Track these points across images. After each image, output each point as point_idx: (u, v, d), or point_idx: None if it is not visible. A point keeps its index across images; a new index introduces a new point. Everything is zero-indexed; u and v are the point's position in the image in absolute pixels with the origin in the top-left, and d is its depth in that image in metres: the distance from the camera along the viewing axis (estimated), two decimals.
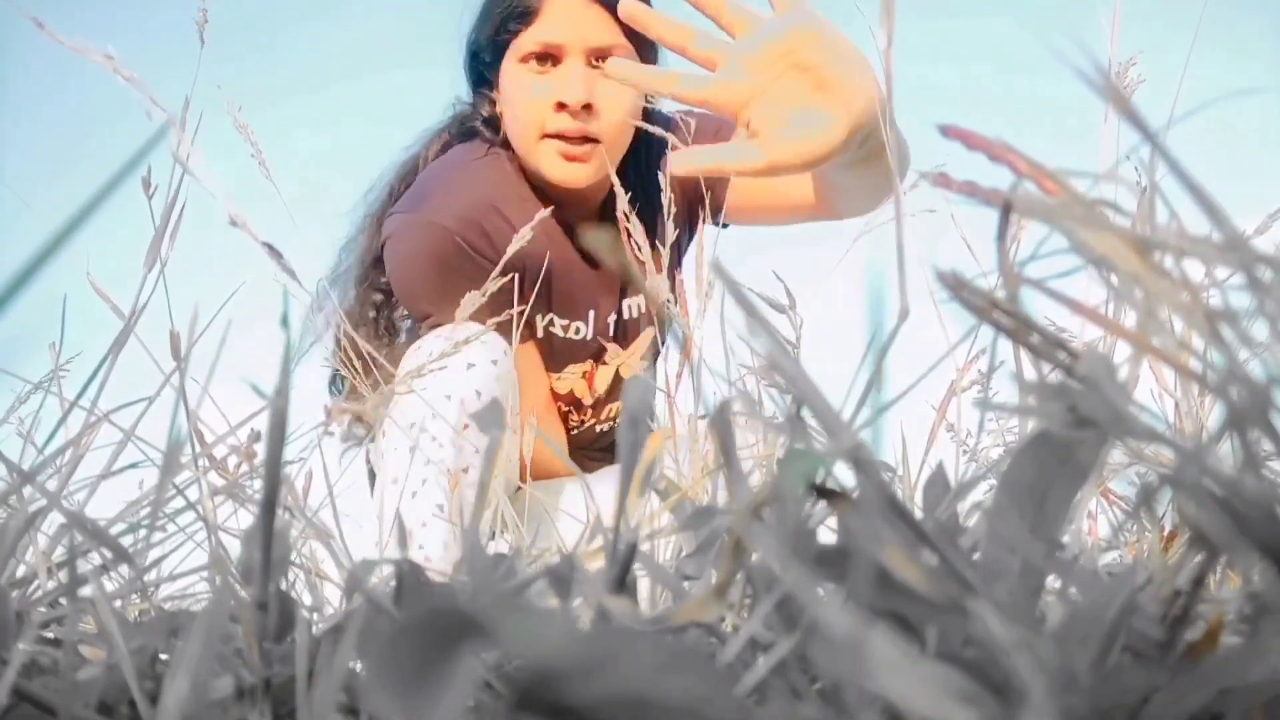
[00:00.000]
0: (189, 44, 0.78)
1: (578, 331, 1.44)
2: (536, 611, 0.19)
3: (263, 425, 0.61)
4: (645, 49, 1.25)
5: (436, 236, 1.20)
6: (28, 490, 0.50)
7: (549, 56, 1.20)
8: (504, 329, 1.19)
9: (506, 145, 1.29)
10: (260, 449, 0.64)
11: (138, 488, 0.67)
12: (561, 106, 1.18)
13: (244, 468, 0.64)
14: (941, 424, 0.83)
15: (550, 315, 1.39)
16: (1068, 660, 0.24)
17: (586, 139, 1.20)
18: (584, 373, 1.48)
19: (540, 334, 1.41)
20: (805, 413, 0.31)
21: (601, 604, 0.31)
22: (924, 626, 0.26)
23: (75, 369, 0.74)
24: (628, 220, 0.88)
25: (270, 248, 0.78)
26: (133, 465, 0.65)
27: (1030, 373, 0.31)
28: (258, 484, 0.62)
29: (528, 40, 1.19)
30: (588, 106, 1.18)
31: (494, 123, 1.30)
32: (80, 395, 0.63)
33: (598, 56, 1.19)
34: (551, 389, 1.45)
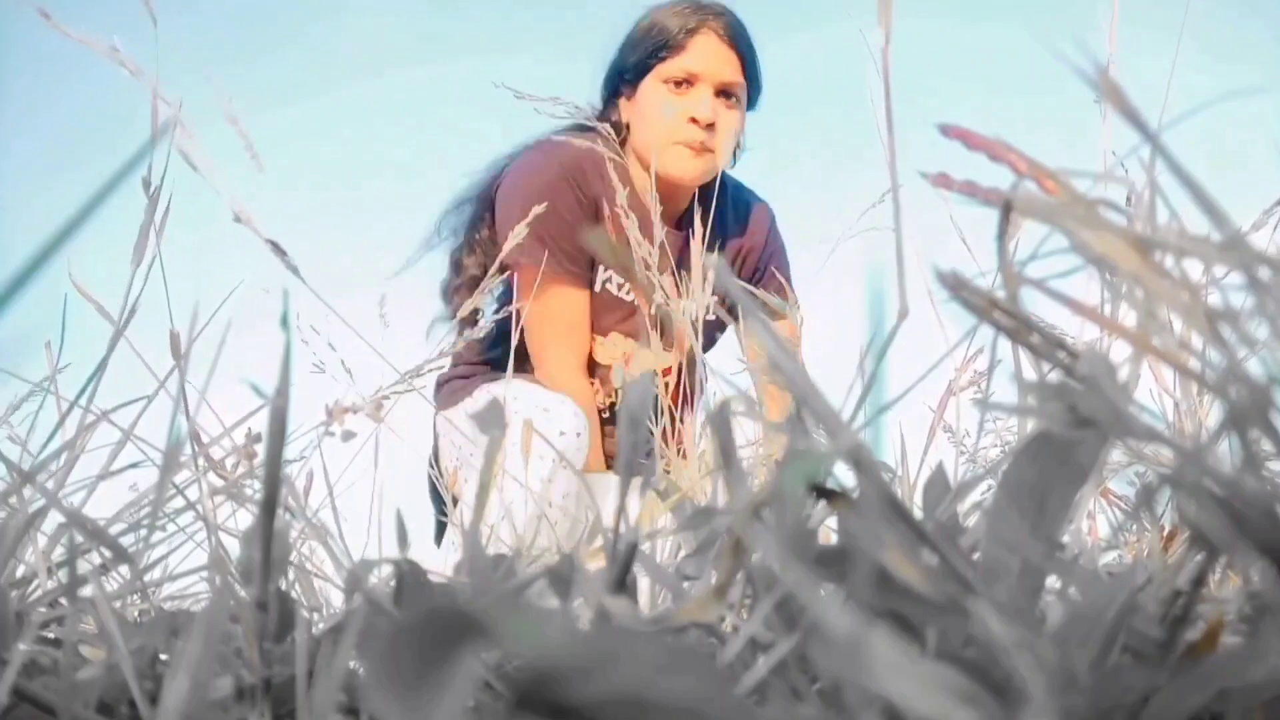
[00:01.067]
0: (193, 44, 0.78)
1: (629, 291, 1.62)
2: (536, 611, 0.19)
3: (263, 425, 0.61)
4: (754, 89, 1.60)
5: (551, 173, 1.53)
6: (27, 490, 0.50)
7: (685, 82, 1.53)
8: (571, 279, 1.54)
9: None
10: (260, 449, 0.64)
11: (129, 489, 0.66)
12: (694, 121, 1.52)
13: (244, 468, 0.64)
14: (940, 424, 0.83)
15: (610, 272, 1.62)
16: (1068, 660, 0.24)
17: (705, 148, 1.53)
18: (624, 354, 1.63)
19: (598, 288, 1.62)
20: (805, 413, 0.31)
21: (601, 604, 0.31)
22: (924, 626, 0.26)
23: (75, 368, 0.74)
24: (625, 216, 1.09)
25: (275, 245, 0.78)
26: (132, 465, 0.65)
27: (1030, 373, 0.31)
28: (258, 484, 0.62)
29: (673, 67, 1.53)
30: (711, 125, 1.52)
31: (617, 127, 1.59)
32: (79, 395, 0.63)
33: (722, 89, 1.54)
34: (591, 354, 1.64)
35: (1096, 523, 0.73)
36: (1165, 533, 0.47)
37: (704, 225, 1.22)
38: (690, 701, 0.19)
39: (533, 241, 1.46)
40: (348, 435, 0.69)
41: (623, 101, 1.60)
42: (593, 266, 1.60)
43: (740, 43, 1.54)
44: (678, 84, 1.52)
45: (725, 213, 1.69)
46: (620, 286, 1.63)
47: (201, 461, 0.61)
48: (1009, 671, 0.21)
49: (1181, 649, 0.27)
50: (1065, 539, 0.30)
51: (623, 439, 0.35)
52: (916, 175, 0.32)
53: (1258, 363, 0.25)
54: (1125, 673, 0.25)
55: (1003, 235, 0.29)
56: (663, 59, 1.53)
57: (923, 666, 0.19)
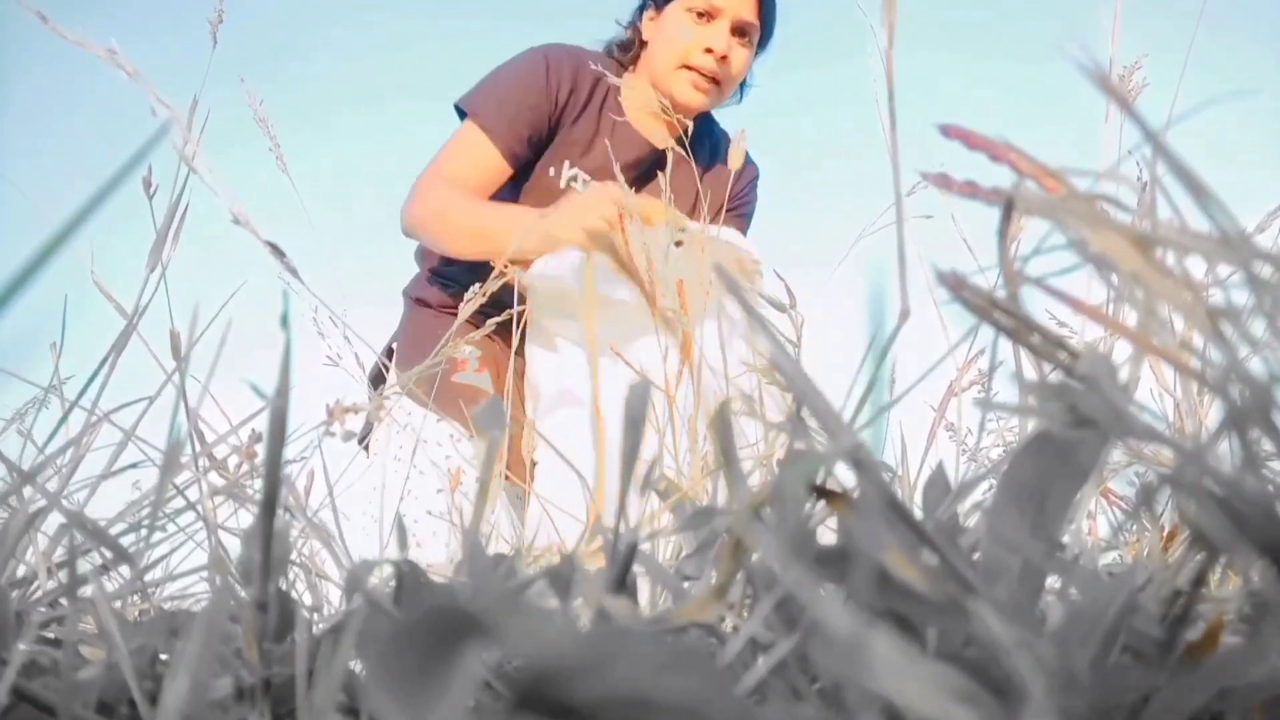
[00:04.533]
0: (204, 48, 0.78)
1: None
2: (536, 611, 0.19)
3: (263, 425, 0.61)
4: (767, 32, 1.71)
5: (533, 54, 1.62)
6: (28, 490, 0.50)
7: (707, 14, 1.64)
8: (501, 139, 1.57)
9: (624, 66, 1.75)
10: (260, 449, 0.64)
11: (134, 488, 0.66)
12: (709, 51, 1.63)
13: (244, 468, 0.64)
14: (941, 424, 0.83)
15: (576, 169, 1.69)
16: (1068, 660, 0.24)
17: (714, 80, 1.65)
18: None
19: (563, 184, 1.68)
20: (805, 413, 0.31)
21: (601, 604, 0.31)
22: (924, 626, 0.26)
23: (76, 368, 0.74)
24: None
25: (273, 246, 0.78)
26: (133, 465, 0.65)
27: (1030, 373, 0.31)
28: (258, 484, 0.62)
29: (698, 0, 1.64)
30: (724, 58, 1.64)
31: (630, 44, 1.74)
32: (80, 395, 0.63)
33: (739, 27, 1.65)
34: None
35: (1096, 523, 0.73)
36: (1165, 533, 0.47)
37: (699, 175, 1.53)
38: (690, 701, 0.19)
39: (484, 93, 1.59)
40: (348, 435, 0.69)
41: (647, 18, 1.72)
42: (539, 155, 1.65)
43: None
44: (700, 15, 1.64)
45: (719, 147, 1.83)
46: (587, 183, 1.67)
47: (202, 461, 0.61)
48: (1009, 671, 0.21)
49: (1181, 649, 0.27)
50: (1065, 539, 0.30)
51: (623, 439, 0.35)
52: (918, 175, 0.32)
53: (1259, 361, 0.25)
54: (1125, 673, 0.25)
55: (1004, 233, 0.29)
56: None
57: (923, 666, 0.19)
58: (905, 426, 0.73)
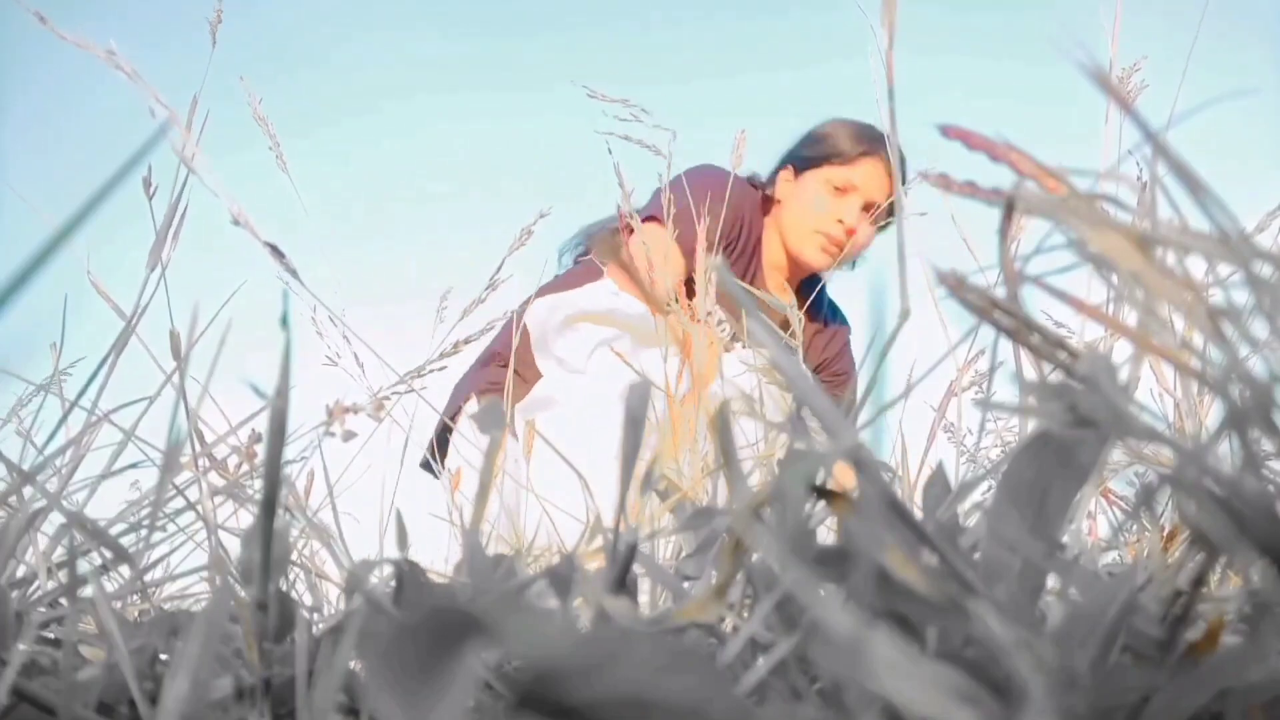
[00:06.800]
0: (204, 50, 0.78)
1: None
2: (536, 611, 0.19)
3: (263, 425, 0.61)
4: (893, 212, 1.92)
5: (726, 177, 1.72)
6: (28, 490, 0.50)
7: (843, 190, 1.85)
8: (685, 250, 1.66)
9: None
10: (260, 449, 0.64)
11: (134, 489, 0.66)
12: (840, 222, 1.85)
13: (244, 468, 0.64)
14: (941, 424, 0.83)
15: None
16: (1068, 660, 0.24)
17: (838, 247, 1.86)
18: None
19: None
20: (805, 413, 0.31)
21: (601, 604, 0.31)
22: (924, 626, 0.26)
23: (76, 369, 0.74)
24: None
25: (273, 247, 0.77)
26: (133, 465, 0.64)
27: (1030, 373, 0.31)
28: (258, 484, 0.62)
29: (838, 175, 1.86)
30: (851, 230, 1.85)
31: (767, 198, 1.95)
32: (80, 395, 0.63)
33: (867, 206, 1.85)
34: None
35: (1096, 523, 0.73)
36: (1165, 533, 0.47)
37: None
38: (690, 701, 0.19)
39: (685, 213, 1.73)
40: (348, 435, 0.69)
41: (783, 177, 1.92)
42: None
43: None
44: (837, 189, 1.84)
45: (821, 307, 2.03)
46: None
47: (202, 461, 0.61)
48: (1009, 671, 0.21)
49: (1181, 649, 0.27)
50: (1065, 539, 0.30)
51: (623, 439, 0.35)
52: (918, 175, 0.32)
53: (1259, 361, 0.25)
54: (1125, 673, 0.25)
55: (1004, 233, 0.29)
56: (833, 164, 1.85)
57: (923, 666, 0.19)
58: (905, 426, 0.73)
